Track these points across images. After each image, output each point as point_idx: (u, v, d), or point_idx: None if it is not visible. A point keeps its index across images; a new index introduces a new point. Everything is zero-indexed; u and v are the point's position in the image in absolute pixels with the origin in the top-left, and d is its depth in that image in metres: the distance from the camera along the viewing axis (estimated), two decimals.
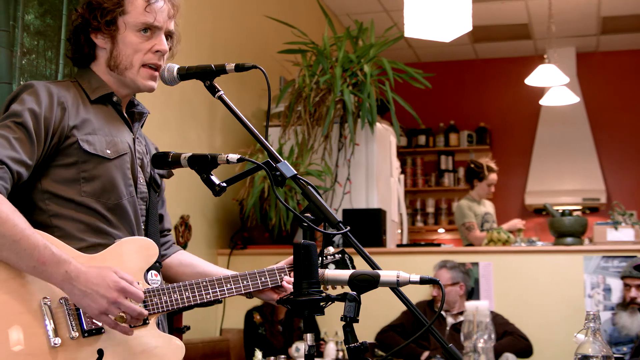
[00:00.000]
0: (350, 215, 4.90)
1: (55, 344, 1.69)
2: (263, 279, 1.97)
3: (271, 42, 5.63)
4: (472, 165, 6.00)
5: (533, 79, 6.52)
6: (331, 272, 1.64)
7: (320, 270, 1.61)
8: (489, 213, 6.10)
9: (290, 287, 1.98)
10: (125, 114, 2.00)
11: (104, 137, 1.88)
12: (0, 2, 2.98)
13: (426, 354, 4.31)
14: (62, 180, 1.83)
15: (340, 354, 4.23)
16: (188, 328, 3.06)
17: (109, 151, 1.87)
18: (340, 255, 2.03)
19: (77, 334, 1.72)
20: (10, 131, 1.75)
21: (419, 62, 9.08)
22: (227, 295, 1.91)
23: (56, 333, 1.70)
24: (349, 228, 1.67)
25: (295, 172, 1.71)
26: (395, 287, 1.64)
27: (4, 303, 1.68)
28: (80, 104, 1.89)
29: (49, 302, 1.71)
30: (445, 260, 4.54)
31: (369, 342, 4.28)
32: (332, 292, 1.79)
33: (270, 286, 1.98)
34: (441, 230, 9.00)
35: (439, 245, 5.18)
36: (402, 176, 6.05)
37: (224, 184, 1.69)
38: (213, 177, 1.71)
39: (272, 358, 3.65)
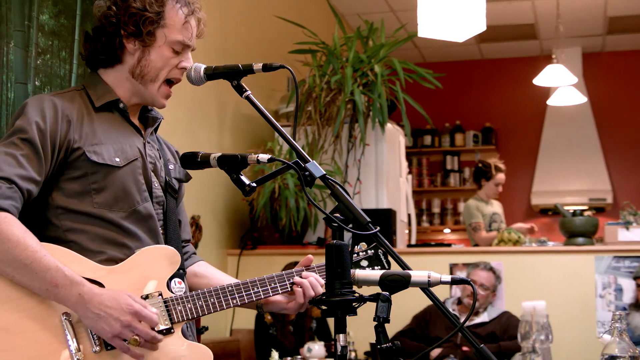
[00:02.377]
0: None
1: (79, 358, 1.68)
2: (291, 280, 1.95)
3: (279, 43, 5.63)
4: (480, 165, 5.99)
5: (541, 79, 6.52)
6: (362, 272, 1.63)
7: (351, 271, 1.60)
8: (496, 213, 6.09)
9: (300, 291, 1.95)
10: (134, 120, 1.97)
11: (112, 145, 1.85)
12: (15, 2, 2.98)
13: (436, 352, 4.31)
14: (73, 193, 1.81)
15: (353, 354, 4.22)
16: (206, 329, 3.06)
17: (117, 159, 1.84)
18: (373, 251, 2.01)
19: (99, 347, 1.71)
20: (17, 148, 1.73)
21: (425, 62, 9.07)
22: (254, 299, 1.89)
23: (79, 348, 1.69)
24: (378, 228, 1.66)
25: (324, 172, 1.70)
26: (426, 287, 1.63)
27: (21, 320, 1.68)
28: (85, 115, 1.86)
29: (69, 318, 1.71)
30: (483, 262, 4.56)
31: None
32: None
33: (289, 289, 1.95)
34: (447, 230, 8.99)
35: (449, 245, 5.18)
36: (409, 176, 6.05)
37: (254, 184, 1.68)
38: (243, 177, 1.70)
39: (289, 358, 3.64)
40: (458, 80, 8.93)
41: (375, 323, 1.57)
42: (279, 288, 1.93)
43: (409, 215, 5.82)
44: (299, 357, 3.62)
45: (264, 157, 1.70)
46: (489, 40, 8.40)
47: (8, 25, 2.94)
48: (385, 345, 1.54)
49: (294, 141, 1.75)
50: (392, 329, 4.59)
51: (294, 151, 1.72)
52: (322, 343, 4.20)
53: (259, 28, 5.52)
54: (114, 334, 1.67)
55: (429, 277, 1.62)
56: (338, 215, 1.66)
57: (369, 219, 1.67)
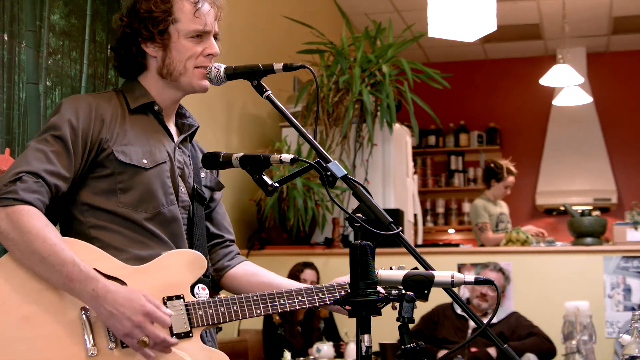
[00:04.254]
0: None
1: (93, 354, 1.69)
2: (320, 295, 1.92)
3: (285, 43, 5.62)
4: (492, 166, 5.97)
5: (547, 79, 6.51)
6: (385, 272, 1.62)
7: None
8: (503, 213, 6.08)
9: None
10: (169, 125, 1.98)
11: (141, 147, 1.86)
12: (27, 2, 2.97)
13: (442, 353, 4.30)
14: (100, 191, 1.82)
15: None
16: (220, 329, 3.04)
17: (145, 161, 1.85)
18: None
19: (114, 344, 1.71)
20: (48, 145, 1.75)
21: (429, 62, 9.07)
22: (279, 310, 1.88)
23: (94, 344, 1.69)
24: (400, 229, 1.65)
25: (346, 172, 1.70)
26: (449, 287, 1.63)
27: (42, 312, 1.68)
28: (119, 115, 1.87)
29: (88, 313, 1.71)
30: (493, 263, 4.56)
31: (392, 343, 4.27)
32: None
33: (328, 303, 1.92)
34: (451, 230, 8.99)
35: (457, 245, 5.18)
36: (415, 176, 6.05)
37: (276, 184, 1.67)
38: (265, 178, 1.69)
39: (302, 359, 3.64)
40: (462, 80, 8.92)
41: (399, 324, 1.57)
42: (306, 302, 1.90)
43: (415, 216, 5.82)
44: (312, 357, 3.61)
45: (287, 157, 1.69)
46: (493, 41, 8.40)
47: (20, 25, 2.93)
48: (409, 345, 1.54)
49: (314, 141, 1.74)
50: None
51: (315, 151, 1.72)
52: (331, 343, 4.20)
53: (265, 28, 5.51)
54: (125, 332, 1.67)
55: (452, 277, 1.61)
56: (360, 215, 1.66)
57: (391, 219, 1.66)
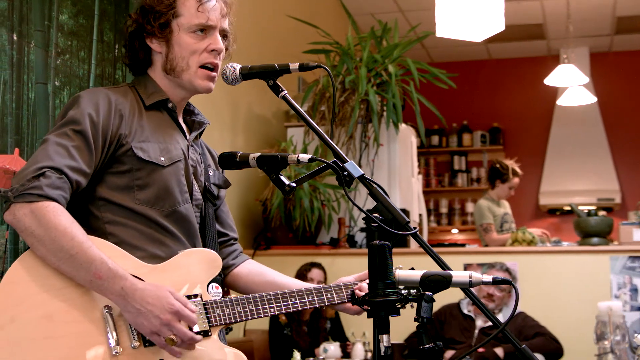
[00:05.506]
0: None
1: (117, 352, 1.68)
2: (329, 294, 1.93)
3: (290, 43, 5.62)
4: (498, 166, 5.96)
5: (552, 79, 6.51)
6: (403, 272, 1.62)
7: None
8: (507, 213, 6.08)
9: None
10: (181, 121, 1.98)
11: (158, 144, 1.86)
12: (36, 2, 2.97)
13: (450, 353, 4.30)
14: (117, 187, 1.81)
15: (369, 354, 4.21)
16: (231, 329, 3.04)
17: (162, 158, 1.84)
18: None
19: (138, 343, 1.71)
20: (69, 139, 1.74)
21: (432, 62, 9.06)
22: (291, 310, 1.89)
23: (117, 342, 1.68)
24: (417, 229, 1.65)
25: (363, 172, 1.70)
26: (467, 287, 1.62)
27: (64, 309, 1.67)
28: (136, 111, 1.87)
29: (111, 311, 1.70)
30: (499, 263, 4.55)
31: (399, 343, 4.27)
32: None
33: (336, 302, 1.94)
34: (455, 230, 8.98)
35: (463, 245, 5.17)
36: (420, 176, 6.04)
37: (294, 184, 1.67)
38: (282, 177, 1.69)
39: (312, 359, 3.63)
40: (465, 80, 8.90)
41: (417, 323, 1.57)
42: (316, 302, 1.92)
43: (420, 216, 5.81)
44: (321, 357, 3.61)
45: (305, 157, 1.69)
46: (496, 40, 8.39)
47: (29, 25, 2.93)
48: (428, 345, 1.53)
49: (331, 141, 1.73)
50: (406, 330, 4.58)
51: (332, 151, 1.71)
52: (338, 343, 4.20)
53: (269, 28, 5.51)
54: (153, 330, 1.66)
55: (470, 278, 1.61)
56: (377, 215, 1.65)
57: (408, 219, 1.66)
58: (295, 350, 3.41)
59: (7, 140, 2.81)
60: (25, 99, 2.92)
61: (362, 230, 5.06)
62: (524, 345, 1.62)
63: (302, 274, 4.34)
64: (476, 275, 1.61)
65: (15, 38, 2.86)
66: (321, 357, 3.61)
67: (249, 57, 5.05)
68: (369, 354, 4.22)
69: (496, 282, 1.61)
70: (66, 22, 3.17)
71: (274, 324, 4.44)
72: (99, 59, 3.37)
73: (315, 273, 4.37)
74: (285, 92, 1.79)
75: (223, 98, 4.70)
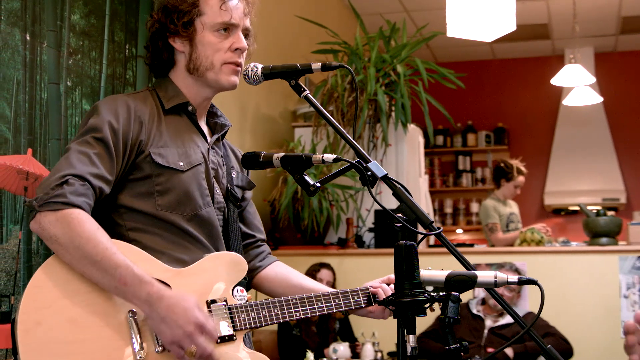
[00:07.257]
0: (382, 216, 4.88)
1: (141, 357, 1.67)
2: (356, 298, 1.92)
3: (298, 43, 5.61)
4: (502, 165, 5.96)
5: (558, 79, 6.50)
6: (427, 272, 1.62)
7: None
8: (514, 213, 6.07)
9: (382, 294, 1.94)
10: (201, 124, 1.97)
11: (177, 148, 1.85)
12: (48, 2, 2.97)
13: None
14: (137, 194, 1.81)
15: (379, 355, 4.20)
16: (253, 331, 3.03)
17: (181, 163, 1.84)
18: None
19: (161, 348, 1.69)
20: (90, 147, 1.74)
21: (437, 62, 9.05)
22: (317, 313, 1.87)
23: (142, 347, 1.68)
24: (441, 229, 1.65)
25: (386, 172, 1.69)
26: (492, 287, 1.62)
27: (89, 314, 1.67)
28: (155, 116, 1.87)
29: (135, 316, 1.70)
30: (509, 263, 4.54)
31: None
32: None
33: (363, 306, 1.92)
34: (459, 230, 8.98)
35: (472, 245, 5.17)
36: (426, 176, 6.03)
37: (318, 184, 1.67)
38: (307, 178, 1.68)
39: (325, 359, 3.63)
40: (470, 80, 8.87)
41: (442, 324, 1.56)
42: (342, 305, 1.90)
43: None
44: (334, 358, 3.60)
45: (329, 157, 1.68)
46: (501, 40, 8.37)
47: (41, 25, 2.93)
48: (454, 345, 1.53)
49: (354, 141, 1.73)
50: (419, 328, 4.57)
51: (355, 151, 1.71)
52: (347, 344, 4.19)
53: (277, 28, 5.50)
54: (174, 340, 1.65)
55: (495, 278, 1.60)
56: (401, 215, 1.65)
57: (432, 219, 1.66)
58: (308, 350, 3.40)
59: (21, 140, 2.81)
60: (38, 99, 2.92)
61: (370, 230, 5.06)
62: (549, 346, 1.61)
63: (311, 275, 4.34)
64: (501, 275, 1.61)
65: (28, 38, 2.85)
66: (334, 358, 3.60)
67: (256, 57, 5.05)
68: (379, 354, 4.22)
69: (521, 282, 1.61)
70: (78, 22, 3.17)
71: (283, 325, 4.43)
72: (110, 59, 3.37)
73: (324, 273, 4.37)
74: (308, 92, 1.79)
75: (231, 99, 4.69)
